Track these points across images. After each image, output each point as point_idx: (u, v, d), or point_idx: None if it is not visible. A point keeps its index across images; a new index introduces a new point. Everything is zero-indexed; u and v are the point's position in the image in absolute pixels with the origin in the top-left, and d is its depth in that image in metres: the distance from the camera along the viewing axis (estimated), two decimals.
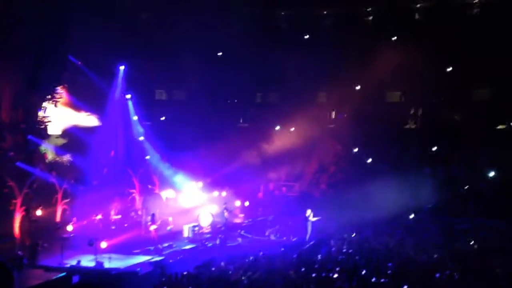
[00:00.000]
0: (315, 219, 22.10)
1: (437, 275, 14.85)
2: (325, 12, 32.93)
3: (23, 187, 19.74)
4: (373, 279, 14.45)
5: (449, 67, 30.41)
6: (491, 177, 26.97)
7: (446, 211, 25.17)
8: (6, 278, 2.70)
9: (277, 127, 32.34)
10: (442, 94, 31.12)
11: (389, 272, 15.23)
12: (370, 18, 32.48)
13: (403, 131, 31.54)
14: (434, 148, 29.70)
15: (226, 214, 24.20)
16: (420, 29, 30.02)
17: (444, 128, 30.41)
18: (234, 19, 32.74)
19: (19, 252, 17.03)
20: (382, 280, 14.45)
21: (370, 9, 32.19)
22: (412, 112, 32.63)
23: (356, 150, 31.38)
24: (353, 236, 21.19)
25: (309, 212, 22.22)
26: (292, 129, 31.78)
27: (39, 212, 20.46)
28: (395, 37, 31.19)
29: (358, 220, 24.04)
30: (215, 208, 25.33)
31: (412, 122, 32.53)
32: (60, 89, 23.73)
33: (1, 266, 2.68)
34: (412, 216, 24.57)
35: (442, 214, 24.81)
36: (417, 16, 31.49)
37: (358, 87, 32.11)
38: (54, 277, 15.57)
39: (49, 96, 22.77)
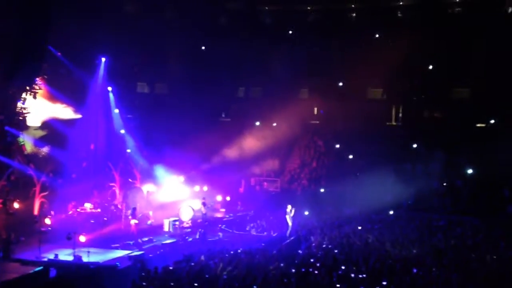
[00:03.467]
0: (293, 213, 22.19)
1: (415, 270, 15.07)
2: (308, 8, 32.94)
3: (0, 179, 19.39)
4: (352, 275, 14.59)
5: (430, 65, 30.73)
6: (468, 175, 27.41)
7: (424, 207, 25.51)
8: None
9: (258, 122, 32.33)
10: (423, 91, 31.46)
11: (368, 267, 15.39)
12: (353, 15, 32.60)
13: (384, 127, 31.83)
14: (414, 145, 30.06)
15: (203, 209, 24.11)
16: (402, 27, 30.24)
17: (424, 125, 30.79)
18: (217, 13, 32.57)
19: None
20: (361, 275, 14.60)
21: (353, 6, 32.31)
22: (393, 109, 32.95)
23: (337, 146, 31.58)
24: (333, 231, 21.33)
25: (289, 207, 22.32)
26: (274, 124, 31.82)
27: (16, 205, 20.11)
28: (377, 35, 31.40)
29: (339, 216, 24.26)
30: (196, 203, 25.25)
31: (393, 119, 32.87)
32: (39, 80, 23.28)
33: None
34: (391, 212, 24.85)
35: (420, 210, 25.14)
36: (399, 14, 31.71)
37: (340, 84, 32.26)
38: (31, 271, 15.35)
39: (28, 87, 22.31)
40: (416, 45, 28.52)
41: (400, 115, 32.86)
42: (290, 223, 22.12)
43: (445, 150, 28.05)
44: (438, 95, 31.08)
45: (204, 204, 24.34)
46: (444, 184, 27.28)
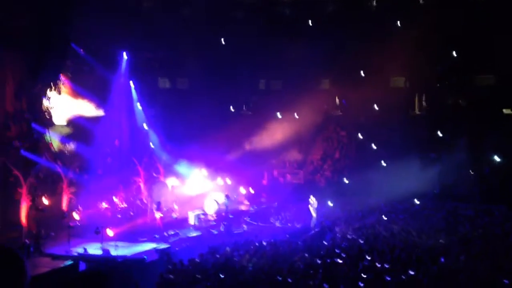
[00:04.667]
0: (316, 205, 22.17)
1: (442, 259, 14.91)
2: None
3: (28, 176, 19.82)
4: (378, 265, 14.51)
5: (453, 52, 30.15)
6: (496, 162, 26.89)
7: (451, 196, 25.16)
8: (18, 267, 2.70)
9: (279, 114, 32.26)
10: (446, 79, 30.91)
11: (394, 257, 15.29)
12: (374, 3, 32.13)
13: (407, 116, 31.42)
14: (439, 134, 29.61)
15: (226, 201, 24.28)
16: (425, 13, 29.69)
17: (449, 113, 30.28)
18: (236, 6, 32.52)
19: (26, 241, 17.18)
20: (387, 265, 14.51)
21: None
22: (416, 97, 32.48)
23: (360, 136, 31.32)
24: (357, 222, 21.23)
25: (313, 199, 22.27)
26: (296, 116, 31.71)
27: (45, 201, 20.55)
28: (399, 22, 30.90)
29: (363, 206, 24.11)
30: (219, 196, 25.42)
31: (417, 107, 32.41)
32: (63, 78, 23.64)
33: (13, 255, 2.69)
34: (416, 201, 24.58)
35: (447, 199, 24.81)
36: (421, 1, 31.13)
37: (361, 73, 31.91)
38: (61, 265, 15.74)
39: (53, 85, 22.69)
40: (439, 31, 27.99)
41: (424, 103, 32.36)
42: (314, 214, 22.09)
43: (471, 138, 27.57)
44: (462, 82, 30.49)
45: (227, 197, 24.49)
46: (471, 172, 26.83)
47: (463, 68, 29.79)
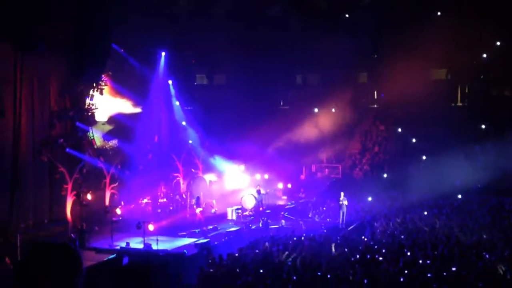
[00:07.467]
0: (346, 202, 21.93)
1: (487, 255, 14.50)
2: None
3: (73, 172, 20.45)
4: (420, 261, 14.25)
5: (497, 41, 29.09)
6: None
7: (496, 190, 24.37)
8: (75, 261, 2.87)
9: (317, 109, 32.02)
10: (490, 69, 29.88)
11: (436, 253, 14.98)
12: None
13: (450, 109, 30.60)
14: (483, 126, 28.70)
15: (259, 196, 24.41)
16: (466, 2, 28.77)
17: (493, 104, 29.29)
18: (271, 0, 32.44)
19: (72, 235, 17.78)
20: (428, 261, 14.23)
21: None
22: (458, 89, 31.57)
23: (399, 130, 30.71)
24: (398, 217, 20.89)
25: (342, 195, 22.06)
26: (334, 110, 31.41)
27: (89, 197, 21.17)
28: (439, 12, 30.05)
29: (403, 201, 23.70)
30: (254, 191, 25.53)
31: (459, 99, 31.51)
32: (104, 77, 24.23)
33: (70, 250, 2.87)
34: (459, 196, 23.94)
35: (492, 193, 24.04)
36: None
37: (401, 66, 31.22)
38: (105, 259, 16.19)
39: (95, 84, 23.31)
40: (482, 21, 27.05)
41: (467, 95, 31.42)
42: (343, 211, 21.87)
43: None
44: (506, 73, 29.41)
45: (258, 192, 24.66)
46: None
47: (507, 57, 28.71)
